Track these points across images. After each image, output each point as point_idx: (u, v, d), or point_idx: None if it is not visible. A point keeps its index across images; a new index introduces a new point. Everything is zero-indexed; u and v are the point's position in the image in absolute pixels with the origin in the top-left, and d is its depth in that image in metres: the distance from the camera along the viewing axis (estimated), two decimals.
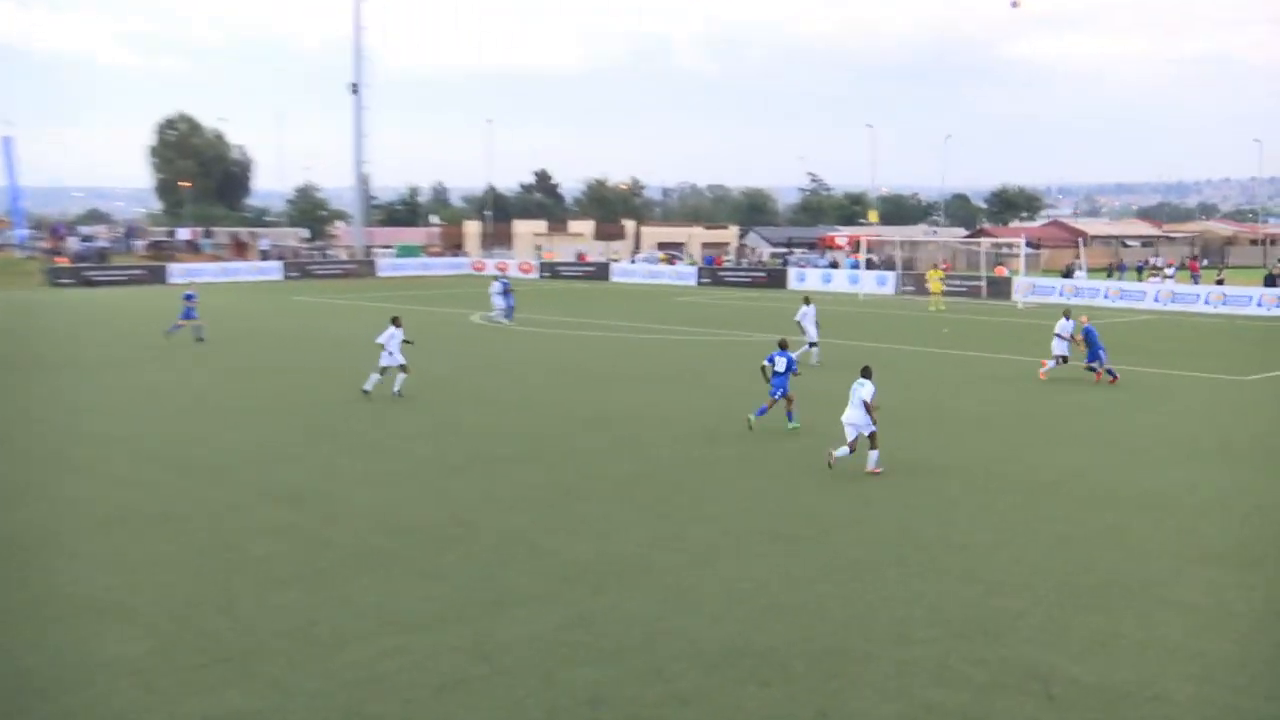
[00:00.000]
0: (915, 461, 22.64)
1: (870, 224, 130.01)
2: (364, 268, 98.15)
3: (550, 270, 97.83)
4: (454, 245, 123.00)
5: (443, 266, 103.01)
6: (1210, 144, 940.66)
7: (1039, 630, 13.73)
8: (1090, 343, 33.64)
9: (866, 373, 22.03)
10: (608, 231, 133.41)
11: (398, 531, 17.80)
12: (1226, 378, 35.56)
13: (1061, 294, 69.77)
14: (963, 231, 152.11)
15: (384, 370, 30.52)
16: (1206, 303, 64.10)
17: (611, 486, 20.64)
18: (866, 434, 21.58)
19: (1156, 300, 65.58)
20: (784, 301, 71.07)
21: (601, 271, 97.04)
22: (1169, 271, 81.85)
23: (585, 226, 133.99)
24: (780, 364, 25.57)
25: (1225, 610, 14.40)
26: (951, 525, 18.13)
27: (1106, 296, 67.97)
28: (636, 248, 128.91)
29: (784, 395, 25.55)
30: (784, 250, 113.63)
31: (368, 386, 30.57)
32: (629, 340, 46.63)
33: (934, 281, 67.85)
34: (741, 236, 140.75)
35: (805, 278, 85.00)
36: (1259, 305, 60.73)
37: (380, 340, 30.43)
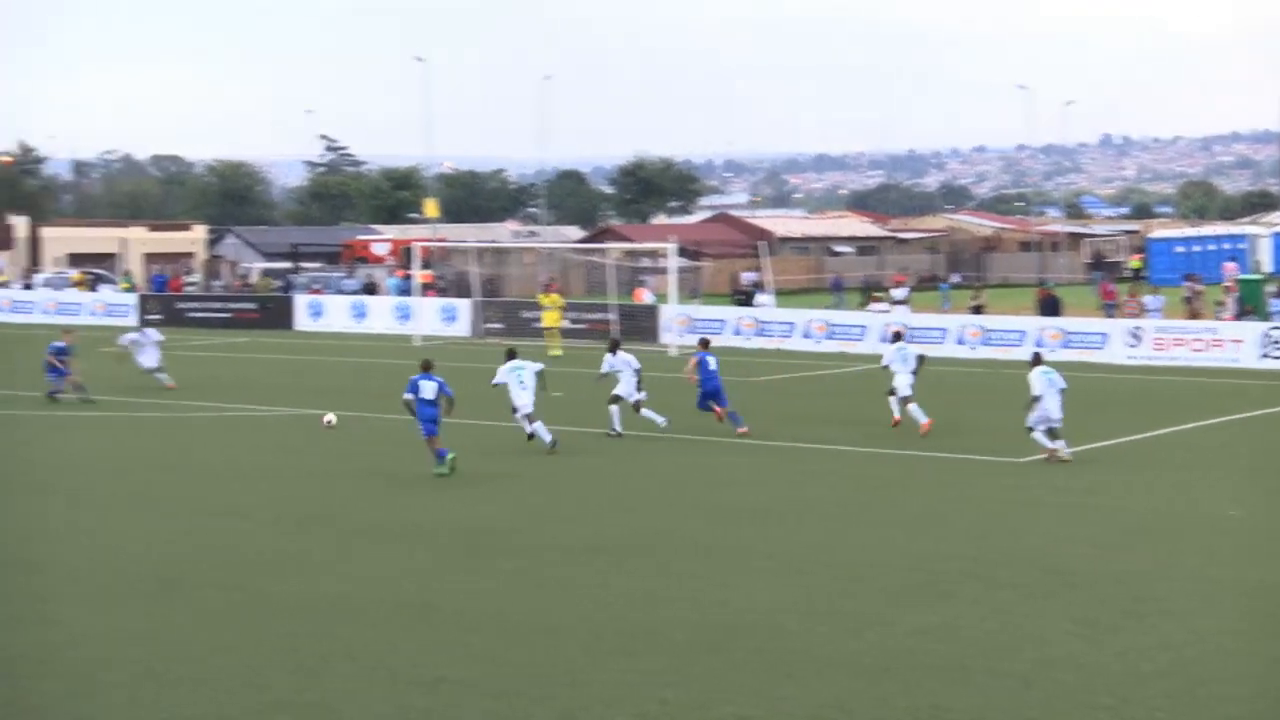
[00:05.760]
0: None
1: (428, 220, 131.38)
2: None
3: None
4: None
5: None
6: (955, 95, 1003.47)
7: None
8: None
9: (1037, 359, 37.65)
10: None
11: None
12: (988, 459, 37.77)
13: (738, 331, 72.49)
14: (578, 232, 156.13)
15: None
16: (960, 342, 68.09)
17: None
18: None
19: (882, 339, 68.86)
20: (293, 350, 70.86)
21: None
22: (898, 294, 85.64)
23: None
24: (429, 390, 34.31)
25: None
26: None
27: (808, 336, 71.05)
28: (34, 263, 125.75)
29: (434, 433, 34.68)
30: (286, 265, 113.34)
31: None
32: (23, 420, 46.39)
33: (550, 312, 69.06)
34: (214, 242, 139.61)
35: (324, 310, 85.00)
36: (1038, 345, 64.72)
37: None
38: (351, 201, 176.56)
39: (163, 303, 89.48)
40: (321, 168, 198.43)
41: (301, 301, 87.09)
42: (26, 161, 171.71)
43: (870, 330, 69.93)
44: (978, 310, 75.59)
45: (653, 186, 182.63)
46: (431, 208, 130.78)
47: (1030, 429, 37.03)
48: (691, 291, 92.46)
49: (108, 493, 33.74)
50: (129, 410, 47.93)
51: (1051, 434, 36.85)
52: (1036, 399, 36.72)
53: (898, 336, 45.31)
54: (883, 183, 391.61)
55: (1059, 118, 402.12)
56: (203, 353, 68.91)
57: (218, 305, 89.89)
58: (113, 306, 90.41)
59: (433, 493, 33.57)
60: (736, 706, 18.75)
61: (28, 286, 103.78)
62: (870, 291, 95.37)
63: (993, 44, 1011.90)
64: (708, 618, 22.77)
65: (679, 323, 72.70)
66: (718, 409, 41.74)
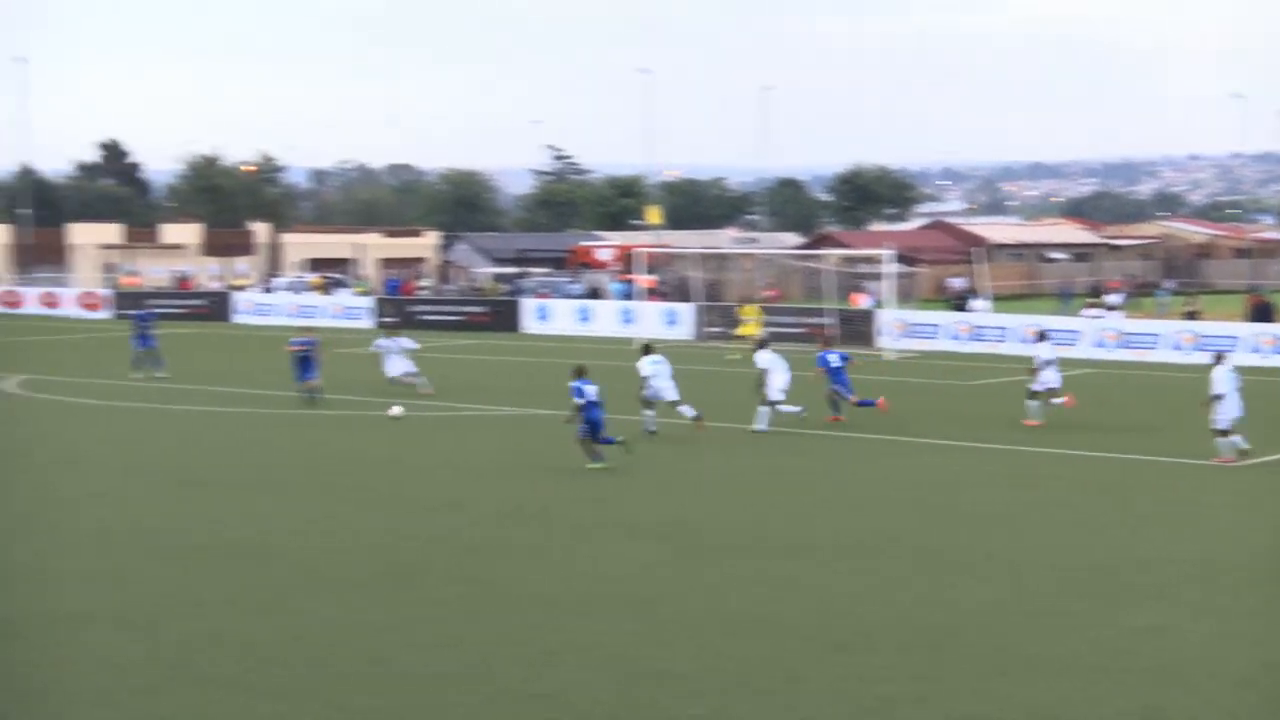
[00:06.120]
0: None
1: (651, 227, 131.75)
2: None
3: (134, 305, 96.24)
4: None
5: None
6: (1169, 103, 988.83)
7: None
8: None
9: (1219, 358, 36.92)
10: (226, 242, 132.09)
11: None
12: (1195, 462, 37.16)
13: (954, 336, 71.90)
14: (796, 239, 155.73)
15: None
16: (1176, 347, 67.06)
17: None
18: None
19: (1098, 345, 68.09)
20: (521, 352, 71.33)
21: (218, 306, 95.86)
22: (1112, 300, 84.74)
23: (188, 233, 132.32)
24: (594, 392, 35.84)
25: None
26: None
27: (1023, 340, 70.26)
28: (274, 267, 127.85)
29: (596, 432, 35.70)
30: (514, 270, 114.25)
31: None
32: (261, 418, 46.76)
33: (748, 324, 68.84)
34: (446, 248, 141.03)
35: (550, 313, 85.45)
36: (1254, 350, 63.44)
37: None
38: (577, 208, 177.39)
39: (396, 306, 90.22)
40: (549, 176, 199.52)
41: (529, 305, 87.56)
42: (268, 170, 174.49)
43: (1084, 336, 69.08)
44: (1191, 316, 74.33)
45: (870, 194, 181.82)
46: (654, 214, 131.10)
47: (1224, 432, 36.42)
48: (904, 297, 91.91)
49: (343, 487, 34.04)
50: (362, 409, 48.43)
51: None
52: (1219, 397, 36.21)
53: (1042, 337, 46.61)
54: (1097, 190, 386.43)
55: (1274, 126, 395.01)
56: (434, 354, 69.36)
57: (449, 309, 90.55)
58: (349, 309, 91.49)
59: (651, 490, 33.60)
60: (954, 704, 18.56)
61: (268, 290, 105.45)
62: (1085, 297, 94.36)
63: (1208, 52, 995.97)
64: (926, 617, 22.57)
65: (895, 327, 72.28)
66: (851, 399, 43.92)
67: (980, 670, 19.89)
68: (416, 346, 53.06)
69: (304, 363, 49.02)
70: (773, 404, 42.21)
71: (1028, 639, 21.37)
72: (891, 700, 18.65)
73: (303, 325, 55.60)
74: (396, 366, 51.96)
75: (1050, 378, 44.08)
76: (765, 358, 42.60)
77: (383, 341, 53.77)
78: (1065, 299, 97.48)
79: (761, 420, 42.03)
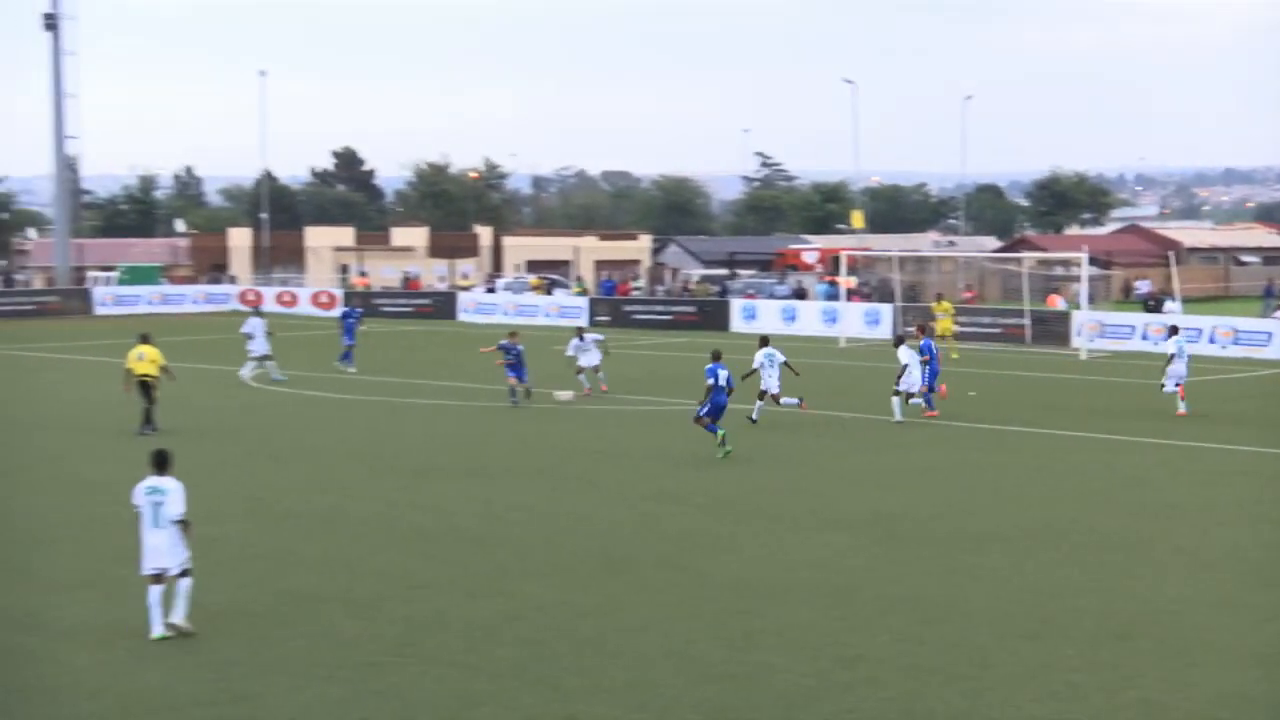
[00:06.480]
0: None
1: (854, 231, 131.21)
2: (72, 301, 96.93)
3: (364, 304, 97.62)
4: (214, 265, 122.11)
5: (196, 299, 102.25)
6: None
7: None
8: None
9: None
10: (451, 244, 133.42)
11: None
12: None
13: (1145, 336, 70.86)
14: (994, 242, 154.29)
15: None
16: None
17: None
18: None
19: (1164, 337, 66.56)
20: (728, 351, 71.22)
21: (444, 305, 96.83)
22: None
23: (417, 236, 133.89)
24: (723, 378, 36.40)
25: None
26: None
27: (1213, 340, 69.12)
28: (496, 268, 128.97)
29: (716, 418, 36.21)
30: (723, 272, 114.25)
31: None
32: (479, 411, 47.17)
33: (944, 319, 68.27)
34: (658, 251, 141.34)
35: (757, 313, 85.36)
36: None
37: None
38: (783, 213, 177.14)
39: (610, 305, 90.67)
40: (756, 182, 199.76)
41: (736, 305, 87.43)
42: (491, 177, 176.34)
43: (1275, 337, 67.80)
44: None
45: (1066, 199, 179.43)
46: (858, 219, 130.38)
47: None
48: (1094, 299, 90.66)
49: (557, 476, 34.26)
50: (576, 404, 48.71)
51: None
52: None
53: (1174, 331, 48.02)
54: None
55: None
56: (646, 351, 69.82)
57: (660, 308, 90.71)
58: (565, 309, 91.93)
59: (848, 481, 33.48)
60: (1141, 691, 18.37)
61: (490, 290, 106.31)
62: (1277, 299, 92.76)
63: None
64: (1115, 607, 22.32)
65: (1089, 328, 71.37)
66: (940, 388, 44.78)
67: (1169, 660, 19.68)
68: (601, 338, 53.60)
69: (515, 366, 49.27)
70: (903, 394, 42.84)
71: (1215, 630, 21.10)
72: (1080, 688, 18.50)
73: (509, 329, 55.14)
74: (590, 360, 52.28)
75: (1175, 370, 45.19)
76: (905, 353, 43.06)
77: (575, 343, 53.83)
78: (1268, 298, 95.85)
79: (897, 410, 42.71)
